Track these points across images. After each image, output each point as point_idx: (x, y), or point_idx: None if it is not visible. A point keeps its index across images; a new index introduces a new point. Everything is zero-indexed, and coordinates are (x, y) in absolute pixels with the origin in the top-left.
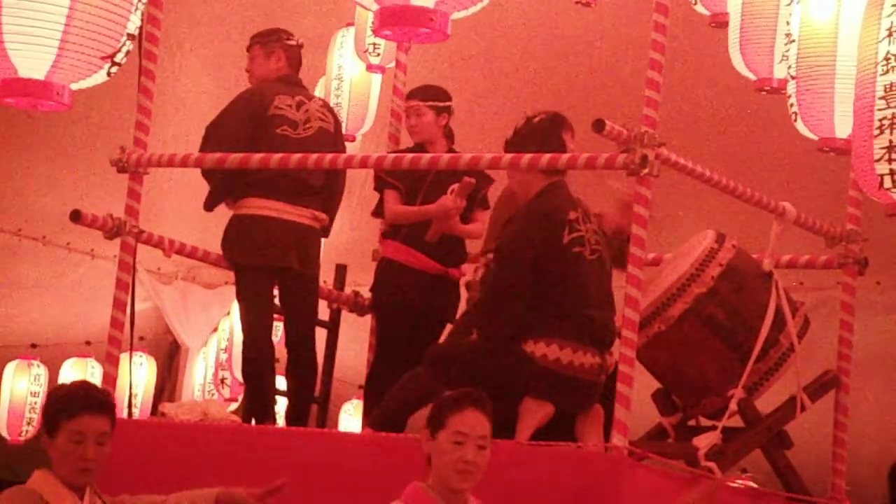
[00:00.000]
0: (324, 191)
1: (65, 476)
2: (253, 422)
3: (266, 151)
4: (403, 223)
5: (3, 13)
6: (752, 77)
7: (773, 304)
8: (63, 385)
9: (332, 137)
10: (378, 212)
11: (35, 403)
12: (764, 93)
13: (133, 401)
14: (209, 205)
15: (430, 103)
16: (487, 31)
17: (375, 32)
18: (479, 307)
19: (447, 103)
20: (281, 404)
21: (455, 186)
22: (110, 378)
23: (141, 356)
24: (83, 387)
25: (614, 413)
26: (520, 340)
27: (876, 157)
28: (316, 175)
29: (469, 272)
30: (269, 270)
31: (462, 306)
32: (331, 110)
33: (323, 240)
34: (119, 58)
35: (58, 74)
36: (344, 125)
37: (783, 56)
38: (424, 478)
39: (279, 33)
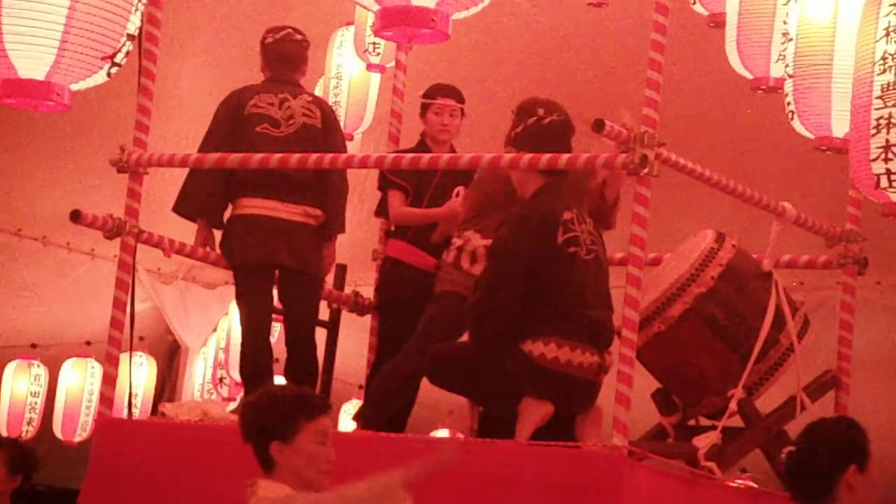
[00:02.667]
0: (316, 186)
1: (306, 480)
2: None
3: (246, 149)
4: (409, 224)
5: (3, 14)
6: (749, 76)
7: (772, 303)
8: (277, 388)
9: (320, 132)
10: (380, 211)
11: (35, 403)
12: (760, 92)
13: (133, 401)
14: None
15: (462, 106)
16: (488, 31)
17: (376, 33)
18: (471, 309)
19: None
20: None
21: (461, 189)
22: (110, 378)
23: (141, 356)
24: (304, 389)
25: (614, 413)
26: (518, 340)
27: (872, 156)
28: (304, 171)
29: None
30: (263, 269)
31: None
32: (320, 105)
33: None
34: (119, 58)
35: (58, 75)
36: (343, 124)
37: (780, 55)
38: None
39: (264, 34)
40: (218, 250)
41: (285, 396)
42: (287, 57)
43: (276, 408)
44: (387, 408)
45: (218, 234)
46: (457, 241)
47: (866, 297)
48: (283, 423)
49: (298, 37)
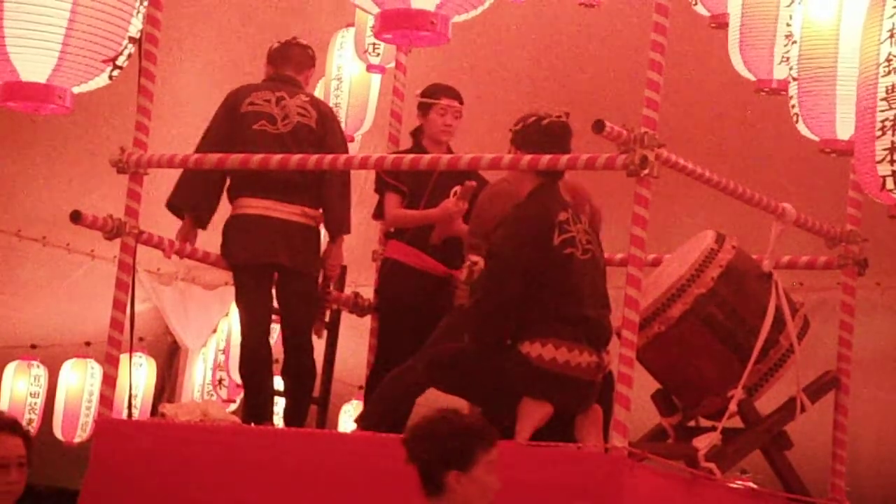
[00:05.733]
0: (313, 187)
1: None
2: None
3: (243, 148)
4: (406, 226)
5: (4, 17)
6: (752, 78)
7: (772, 304)
8: (451, 415)
9: (314, 133)
10: (378, 213)
11: (35, 404)
12: (763, 93)
13: (133, 401)
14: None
15: (462, 107)
16: (487, 32)
17: (376, 35)
18: (470, 312)
19: None
20: (280, 405)
21: (458, 189)
22: (110, 379)
23: (141, 357)
24: (476, 417)
25: (613, 413)
26: (516, 342)
27: (878, 158)
28: (301, 171)
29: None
30: (261, 269)
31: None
32: (317, 106)
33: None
34: (121, 61)
35: (59, 78)
36: (343, 126)
37: (783, 57)
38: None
39: (272, 44)
40: (199, 248)
41: (464, 426)
42: (290, 56)
43: (457, 437)
44: (391, 414)
45: (203, 234)
46: (467, 262)
47: (866, 298)
48: (463, 453)
49: (304, 42)
